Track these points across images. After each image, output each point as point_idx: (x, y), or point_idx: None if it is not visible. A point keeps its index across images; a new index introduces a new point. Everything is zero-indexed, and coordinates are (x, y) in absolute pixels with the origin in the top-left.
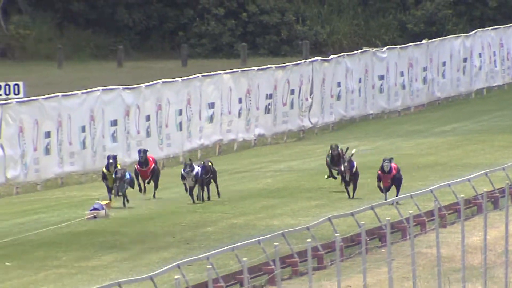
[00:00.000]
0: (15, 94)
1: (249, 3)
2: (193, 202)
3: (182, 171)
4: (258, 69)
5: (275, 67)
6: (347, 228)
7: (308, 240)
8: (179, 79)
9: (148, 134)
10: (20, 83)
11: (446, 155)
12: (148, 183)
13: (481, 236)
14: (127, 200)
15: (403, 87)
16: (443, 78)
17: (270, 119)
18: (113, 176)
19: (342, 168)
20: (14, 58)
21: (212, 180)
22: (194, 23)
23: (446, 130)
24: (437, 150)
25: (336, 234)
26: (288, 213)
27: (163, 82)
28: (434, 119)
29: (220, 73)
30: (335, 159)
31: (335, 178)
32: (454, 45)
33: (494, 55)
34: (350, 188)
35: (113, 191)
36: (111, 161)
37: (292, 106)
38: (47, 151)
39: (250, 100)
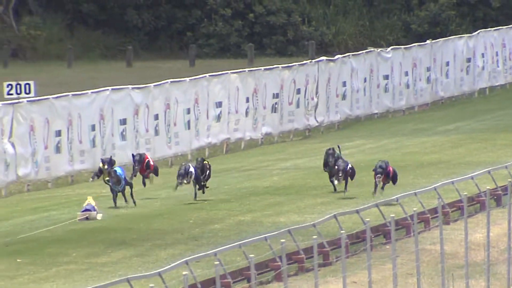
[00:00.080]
0: (26, 94)
1: (256, 4)
2: (175, 190)
3: (183, 171)
4: (265, 69)
5: (282, 67)
6: (352, 225)
7: (314, 236)
8: (187, 78)
9: (156, 132)
10: (31, 83)
11: (449, 153)
12: (147, 177)
13: (484, 233)
14: (135, 203)
15: (408, 86)
16: (447, 77)
17: (276, 118)
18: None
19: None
20: (25, 59)
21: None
22: (202, 23)
23: (450, 129)
24: (441, 149)
25: (342, 231)
26: (294, 210)
27: (171, 81)
28: (437, 118)
29: (227, 73)
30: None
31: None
32: (458, 45)
33: (497, 55)
34: (342, 184)
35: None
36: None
37: (298, 105)
38: (58, 149)
39: (257, 100)
